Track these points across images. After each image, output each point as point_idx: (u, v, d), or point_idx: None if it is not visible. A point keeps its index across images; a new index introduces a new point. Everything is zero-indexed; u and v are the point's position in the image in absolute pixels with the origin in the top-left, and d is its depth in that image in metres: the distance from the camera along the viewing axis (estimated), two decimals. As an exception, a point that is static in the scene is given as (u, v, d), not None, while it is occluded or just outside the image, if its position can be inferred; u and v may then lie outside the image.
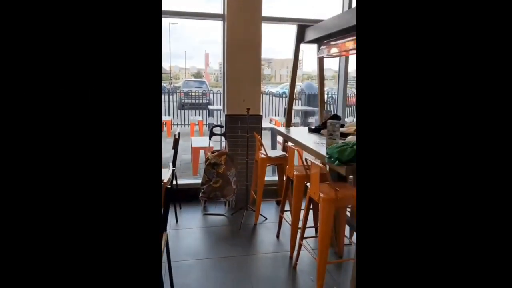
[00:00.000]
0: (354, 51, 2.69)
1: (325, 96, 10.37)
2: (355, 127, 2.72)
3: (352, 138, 2.27)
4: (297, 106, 10.02)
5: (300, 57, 3.57)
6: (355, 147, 1.88)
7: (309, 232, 2.52)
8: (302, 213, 2.48)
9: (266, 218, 3.39)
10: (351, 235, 2.90)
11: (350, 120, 5.03)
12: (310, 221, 2.61)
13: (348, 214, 2.73)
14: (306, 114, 8.51)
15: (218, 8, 3.76)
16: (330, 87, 9.51)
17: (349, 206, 2.71)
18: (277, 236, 3.02)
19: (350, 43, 2.64)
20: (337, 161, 1.87)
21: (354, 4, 3.95)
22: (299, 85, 12.05)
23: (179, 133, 3.34)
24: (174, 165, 3.37)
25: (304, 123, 8.00)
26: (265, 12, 3.64)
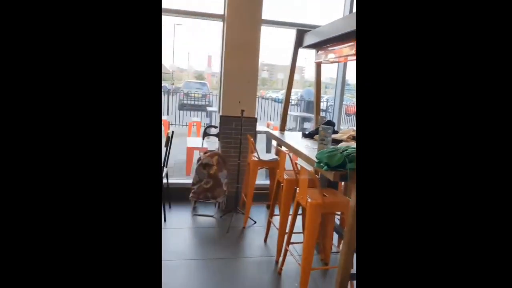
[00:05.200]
0: (352, 58, 2.68)
1: (325, 103, 10.25)
2: (348, 134, 2.70)
3: (343, 145, 2.25)
4: (295, 112, 10.01)
5: (303, 64, 3.55)
6: (344, 153, 1.86)
7: (297, 237, 2.50)
8: (290, 218, 2.46)
9: (255, 222, 3.36)
10: (338, 242, 2.87)
11: (345, 127, 5.02)
12: (299, 227, 2.59)
13: (337, 221, 2.70)
14: (303, 120, 8.51)
15: (220, 9, 3.75)
16: (332, 95, 9.49)
17: (339, 213, 2.67)
18: (265, 240, 2.99)
19: (347, 49, 2.63)
20: (326, 166, 1.85)
21: (354, 10, 3.95)
22: (299, 92, 12.06)
23: (172, 132, 3.33)
24: (166, 164, 3.35)
25: (301, 129, 8.01)
26: (265, 15, 3.64)
